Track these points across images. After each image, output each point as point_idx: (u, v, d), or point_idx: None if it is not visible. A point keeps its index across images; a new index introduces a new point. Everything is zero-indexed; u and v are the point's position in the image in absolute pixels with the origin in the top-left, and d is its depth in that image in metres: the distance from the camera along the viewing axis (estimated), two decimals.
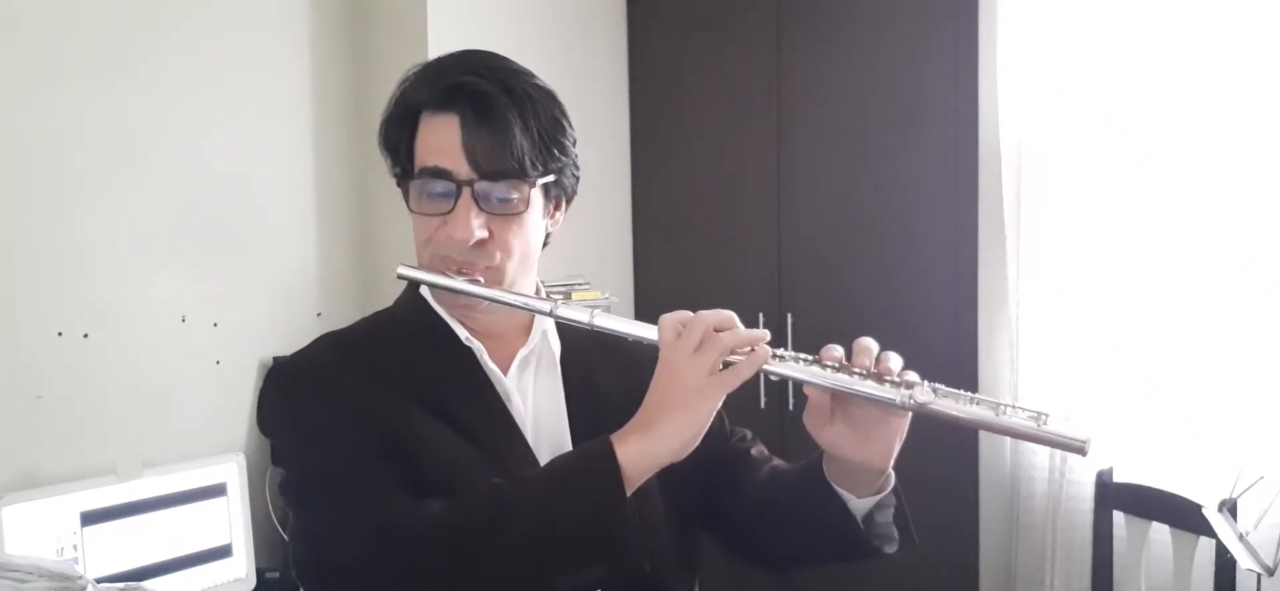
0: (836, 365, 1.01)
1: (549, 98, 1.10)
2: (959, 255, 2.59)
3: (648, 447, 0.96)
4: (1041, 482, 2.47)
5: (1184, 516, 2.06)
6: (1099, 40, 2.33)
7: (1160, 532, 2.19)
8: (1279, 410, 2.15)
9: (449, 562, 0.95)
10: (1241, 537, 1.79)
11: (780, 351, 1.01)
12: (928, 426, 1.07)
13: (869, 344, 1.02)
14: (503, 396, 1.11)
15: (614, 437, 0.97)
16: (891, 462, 1.06)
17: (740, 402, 1.13)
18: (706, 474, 1.17)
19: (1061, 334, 2.39)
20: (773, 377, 1.02)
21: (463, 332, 1.12)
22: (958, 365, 2.57)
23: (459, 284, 1.07)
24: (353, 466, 1.01)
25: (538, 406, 1.14)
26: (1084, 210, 2.36)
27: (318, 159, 2.53)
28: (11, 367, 1.95)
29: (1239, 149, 2.19)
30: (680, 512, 1.15)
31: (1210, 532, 1.89)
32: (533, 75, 1.10)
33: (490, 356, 1.11)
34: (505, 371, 1.12)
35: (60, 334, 2.01)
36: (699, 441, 0.99)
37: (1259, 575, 1.75)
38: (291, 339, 2.45)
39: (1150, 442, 2.32)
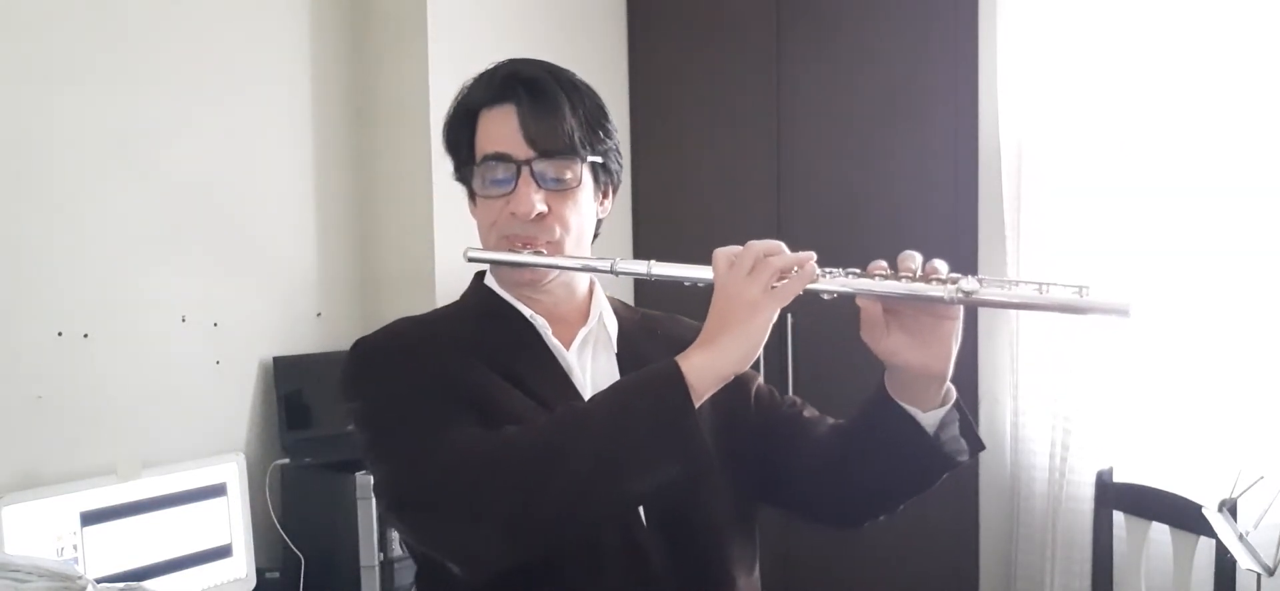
0: (884, 275, 1.07)
1: (591, 90, 1.23)
2: (959, 253, 2.58)
3: (710, 360, 1.03)
4: (1041, 482, 2.47)
5: (1184, 516, 2.06)
6: (1099, 39, 2.33)
7: (1160, 532, 2.19)
8: (1279, 410, 2.15)
9: (526, 473, 1.01)
10: (1241, 537, 1.79)
11: (828, 269, 1.07)
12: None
13: (914, 253, 1.08)
14: (566, 369, 1.21)
15: (677, 358, 1.03)
16: (950, 367, 1.11)
17: None
18: (763, 442, 1.26)
19: (1061, 332, 2.39)
20: (824, 296, 1.08)
21: (527, 311, 1.22)
22: (957, 362, 2.56)
23: (524, 257, 1.16)
24: (430, 408, 1.10)
25: (596, 380, 1.22)
26: (1084, 208, 2.36)
27: (318, 159, 2.53)
28: (11, 367, 1.95)
29: (1239, 147, 2.18)
30: (739, 488, 1.22)
31: (1210, 532, 1.89)
32: (575, 74, 1.23)
33: (553, 334, 1.21)
34: (567, 348, 1.22)
35: (60, 334, 2.02)
36: (757, 354, 1.04)
37: (1259, 575, 1.75)
38: (291, 339, 2.47)
39: (1150, 442, 2.32)
